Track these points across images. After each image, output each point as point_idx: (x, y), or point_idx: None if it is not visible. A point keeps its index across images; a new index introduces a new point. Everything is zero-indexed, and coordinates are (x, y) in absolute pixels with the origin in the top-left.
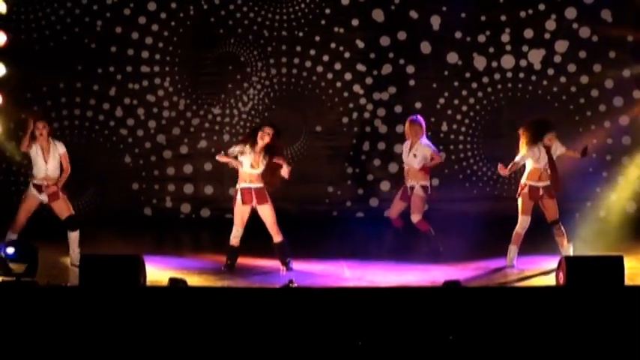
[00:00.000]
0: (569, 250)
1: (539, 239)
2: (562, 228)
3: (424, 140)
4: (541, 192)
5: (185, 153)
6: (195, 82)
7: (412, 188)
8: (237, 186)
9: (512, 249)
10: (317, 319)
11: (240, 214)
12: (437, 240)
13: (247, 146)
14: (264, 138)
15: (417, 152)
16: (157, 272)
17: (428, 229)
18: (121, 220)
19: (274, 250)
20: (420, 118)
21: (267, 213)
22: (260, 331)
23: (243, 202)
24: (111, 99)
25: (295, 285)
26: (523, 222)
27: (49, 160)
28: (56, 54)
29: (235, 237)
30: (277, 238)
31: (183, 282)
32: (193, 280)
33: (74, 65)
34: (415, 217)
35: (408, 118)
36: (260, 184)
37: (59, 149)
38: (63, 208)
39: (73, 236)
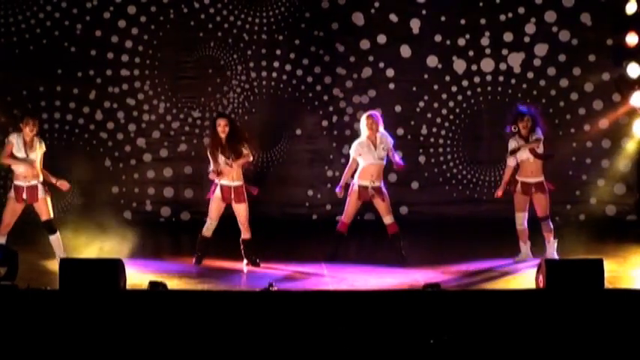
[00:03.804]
0: (554, 246)
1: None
2: (550, 224)
3: (380, 134)
4: (533, 188)
5: (165, 156)
6: (175, 85)
7: (377, 188)
8: (218, 181)
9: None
10: (297, 323)
11: (217, 208)
12: (402, 245)
13: (217, 150)
14: (224, 131)
15: (384, 147)
16: (137, 275)
17: (398, 231)
18: (100, 224)
19: (241, 245)
20: (377, 112)
21: (241, 211)
22: (240, 334)
23: (223, 199)
24: (91, 102)
25: (275, 288)
26: (517, 219)
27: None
28: (36, 57)
29: (208, 229)
30: (246, 235)
31: (163, 285)
32: (173, 284)
33: (54, 69)
34: (390, 219)
35: (370, 114)
36: (239, 182)
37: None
38: (42, 210)
39: (54, 240)
